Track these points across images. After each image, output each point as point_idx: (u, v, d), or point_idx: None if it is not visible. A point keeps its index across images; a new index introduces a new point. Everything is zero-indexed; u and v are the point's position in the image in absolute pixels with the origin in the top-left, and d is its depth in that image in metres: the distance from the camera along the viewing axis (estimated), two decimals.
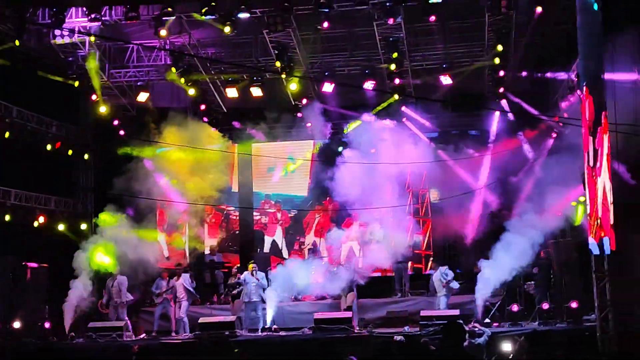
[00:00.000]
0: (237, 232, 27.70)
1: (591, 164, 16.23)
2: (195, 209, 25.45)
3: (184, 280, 22.59)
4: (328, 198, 26.23)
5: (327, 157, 26.30)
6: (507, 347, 16.91)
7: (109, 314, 22.35)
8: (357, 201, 23.79)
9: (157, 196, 24.69)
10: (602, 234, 15.82)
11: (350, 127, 25.89)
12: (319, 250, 25.66)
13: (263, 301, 22.12)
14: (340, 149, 26.06)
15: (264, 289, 22.21)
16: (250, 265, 22.53)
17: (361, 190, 23.43)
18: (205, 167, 24.80)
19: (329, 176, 24.32)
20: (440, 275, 22.08)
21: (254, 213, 27.76)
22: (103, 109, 24.57)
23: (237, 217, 27.96)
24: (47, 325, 21.93)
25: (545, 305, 20.88)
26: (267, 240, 26.62)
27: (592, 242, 16.51)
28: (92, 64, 23.61)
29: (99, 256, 22.66)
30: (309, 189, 27.68)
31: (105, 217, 23.49)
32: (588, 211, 16.73)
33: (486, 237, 23.33)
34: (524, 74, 23.75)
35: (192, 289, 22.58)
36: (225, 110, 26.71)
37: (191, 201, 24.83)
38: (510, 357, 15.77)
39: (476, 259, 22.56)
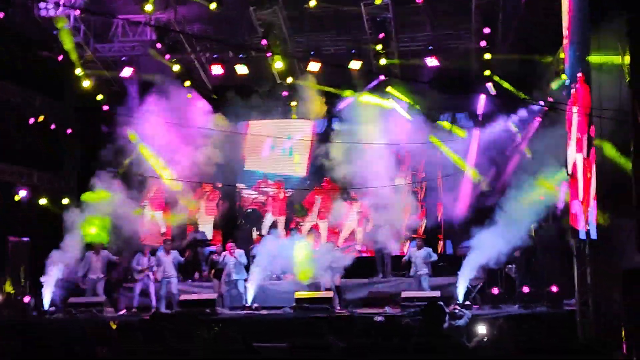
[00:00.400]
0: (250, 210, 27.39)
1: (585, 152, 16.25)
2: (192, 185, 25.57)
3: (173, 257, 22.53)
4: (326, 179, 26.10)
5: (323, 136, 26.42)
6: (482, 329, 16.95)
7: (86, 290, 22.29)
8: (355, 181, 23.91)
9: (145, 170, 24.71)
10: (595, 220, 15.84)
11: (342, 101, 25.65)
12: (319, 233, 25.48)
13: (245, 279, 22.15)
14: (334, 126, 26.14)
15: (245, 267, 22.24)
16: (228, 244, 22.59)
17: (359, 169, 23.55)
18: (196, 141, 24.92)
19: (325, 154, 24.44)
20: (427, 254, 22.10)
21: (248, 191, 27.64)
22: (86, 83, 24.37)
23: (248, 196, 27.80)
24: (26, 299, 21.86)
25: (526, 289, 20.94)
26: (269, 219, 26.47)
27: (583, 228, 16.58)
28: (67, 39, 23.39)
29: (91, 228, 22.58)
30: (307, 168, 27.57)
31: (94, 194, 23.41)
32: (578, 196, 16.76)
33: (474, 219, 23.33)
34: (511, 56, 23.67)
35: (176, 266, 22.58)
36: (210, 88, 26.53)
37: (183, 177, 24.89)
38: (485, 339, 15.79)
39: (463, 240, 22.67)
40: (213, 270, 22.89)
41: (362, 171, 23.56)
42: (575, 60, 16.98)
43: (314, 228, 25.41)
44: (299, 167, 27.70)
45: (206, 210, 27.22)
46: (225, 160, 25.90)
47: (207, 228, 26.98)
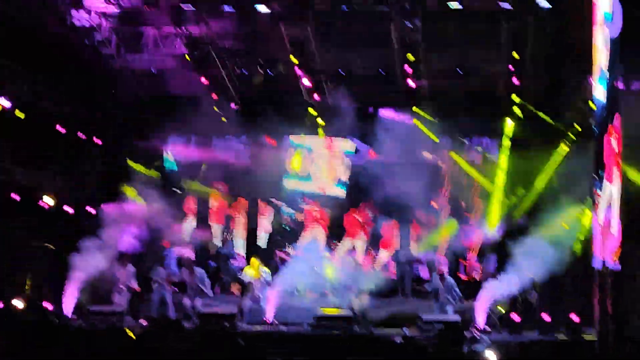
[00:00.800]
0: (288, 229, 27.54)
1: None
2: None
3: (198, 273, 22.61)
4: (370, 200, 26.19)
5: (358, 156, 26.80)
6: (491, 356, 16.89)
7: (112, 298, 22.40)
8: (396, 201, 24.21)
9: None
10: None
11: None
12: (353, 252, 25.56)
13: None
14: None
15: (268, 284, 22.30)
16: (257, 263, 22.68)
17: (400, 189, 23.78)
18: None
19: (364, 173, 24.80)
20: (449, 284, 22.03)
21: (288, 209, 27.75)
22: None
23: (287, 214, 27.79)
24: (47, 305, 21.95)
25: (546, 317, 20.83)
26: (306, 238, 26.54)
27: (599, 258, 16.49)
28: None
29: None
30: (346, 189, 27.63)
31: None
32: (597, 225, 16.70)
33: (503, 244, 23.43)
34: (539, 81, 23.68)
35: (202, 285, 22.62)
36: (240, 103, 26.63)
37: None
38: None
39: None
40: (239, 286, 23.01)
41: (403, 191, 23.76)
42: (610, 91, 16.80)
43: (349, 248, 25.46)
44: (337, 187, 27.73)
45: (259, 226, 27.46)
46: (264, 176, 26.27)
47: (237, 243, 27.15)
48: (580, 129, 22.16)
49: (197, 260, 23.98)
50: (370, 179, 24.37)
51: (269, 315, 21.87)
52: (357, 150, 26.88)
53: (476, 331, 20.12)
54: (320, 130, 26.80)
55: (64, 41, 23.26)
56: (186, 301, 22.25)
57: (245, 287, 22.52)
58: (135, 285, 22.57)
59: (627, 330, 16.23)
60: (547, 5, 20.12)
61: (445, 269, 22.76)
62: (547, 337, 20.15)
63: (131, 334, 19.07)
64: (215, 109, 25.61)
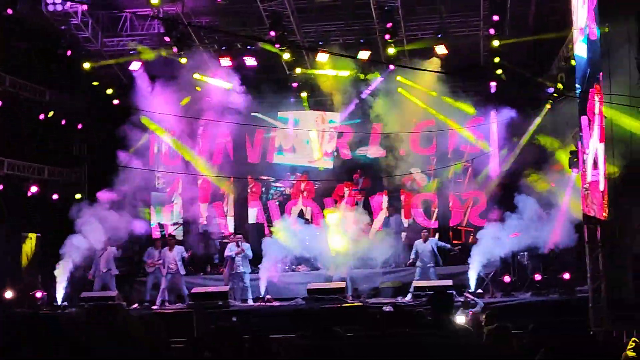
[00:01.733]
0: (278, 203, 27.44)
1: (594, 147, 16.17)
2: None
3: (177, 252, 22.52)
4: (359, 171, 26.32)
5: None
6: (460, 319, 16.85)
7: (94, 284, 22.34)
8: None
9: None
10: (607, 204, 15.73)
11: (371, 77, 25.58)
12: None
13: (251, 271, 22.23)
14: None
15: (249, 260, 22.24)
16: (236, 237, 22.71)
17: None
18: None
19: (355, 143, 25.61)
20: (434, 245, 22.01)
21: (277, 184, 27.71)
22: (86, 65, 24.41)
23: (277, 189, 27.78)
24: (38, 294, 21.90)
25: (538, 276, 20.84)
26: (294, 211, 26.45)
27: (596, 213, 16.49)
28: None
29: None
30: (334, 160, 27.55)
31: None
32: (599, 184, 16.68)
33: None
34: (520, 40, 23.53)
35: (181, 262, 22.52)
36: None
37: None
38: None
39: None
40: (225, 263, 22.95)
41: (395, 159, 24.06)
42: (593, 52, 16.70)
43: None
44: (325, 159, 27.58)
45: (249, 203, 27.39)
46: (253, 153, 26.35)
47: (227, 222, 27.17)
48: (562, 87, 22.03)
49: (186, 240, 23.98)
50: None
51: (262, 291, 21.83)
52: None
53: (469, 295, 20.10)
54: (305, 104, 26.61)
55: (40, 27, 23.08)
56: (167, 283, 22.16)
57: (227, 264, 22.44)
58: (114, 269, 22.45)
59: (617, 285, 16.15)
60: None
61: (426, 233, 22.81)
62: (540, 297, 20.13)
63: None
64: (198, 88, 25.33)
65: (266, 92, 25.52)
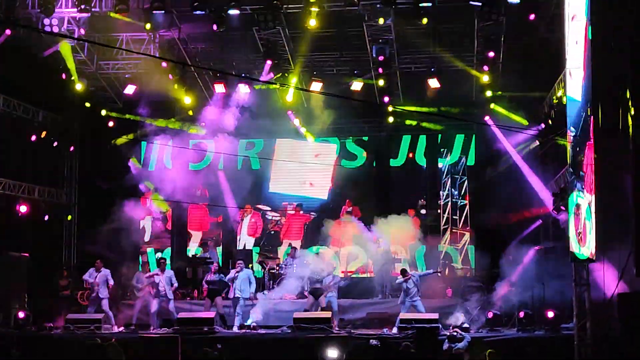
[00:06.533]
0: (272, 232, 27.65)
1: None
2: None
3: (166, 277, 22.44)
4: (347, 201, 26.51)
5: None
6: (332, 353, 16.89)
7: (88, 307, 22.30)
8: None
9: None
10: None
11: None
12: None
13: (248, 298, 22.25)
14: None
15: (250, 285, 22.25)
16: (237, 262, 22.71)
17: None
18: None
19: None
20: (418, 279, 21.91)
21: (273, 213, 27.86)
22: (79, 87, 24.40)
23: (272, 218, 27.87)
24: (21, 314, 21.82)
25: (521, 314, 20.85)
26: (285, 243, 26.62)
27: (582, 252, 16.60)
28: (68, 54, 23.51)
29: None
30: (329, 192, 27.69)
31: None
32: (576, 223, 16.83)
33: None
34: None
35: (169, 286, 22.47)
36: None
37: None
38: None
39: None
40: (206, 290, 22.95)
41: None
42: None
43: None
44: (319, 190, 27.82)
45: (248, 230, 27.51)
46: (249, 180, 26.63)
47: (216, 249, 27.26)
48: (551, 124, 22.19)
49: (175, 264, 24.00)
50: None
51: (250, 319, 21.80)
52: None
53: (456, 329, 20.11)
54: (306, 133, 26.78)
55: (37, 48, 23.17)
56: (157, 307, 22.11)
57: (212, 290, 22.40)
58: (105, 292, 22.40)
59: (603, 325, 16.28)
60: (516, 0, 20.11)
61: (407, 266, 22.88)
62: (525, 333, 20.17)
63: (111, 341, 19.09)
64: (190, 113, 25.52)
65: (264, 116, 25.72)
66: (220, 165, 27.20)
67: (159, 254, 26.40)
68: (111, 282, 22.37)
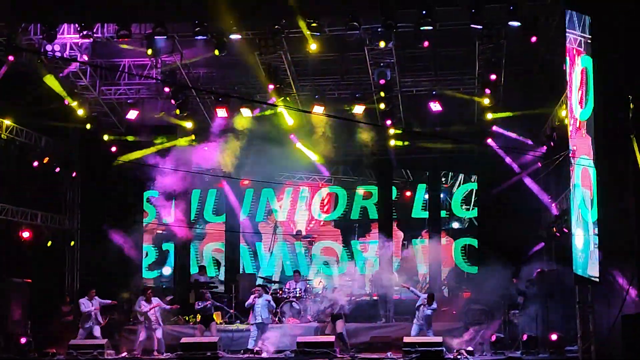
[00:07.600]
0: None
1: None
2: None
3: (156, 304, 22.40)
4: None
5: None
6: None
7: (79, 334, 22.22)
8: None
9: None
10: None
11: None
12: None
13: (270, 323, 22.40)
14: None
15: (269, 310, 22.25)
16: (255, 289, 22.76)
17: None
18: None
19: None
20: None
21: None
22: (80, 112, 24.45)
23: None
24: (23, 340, 21.78)
25: (525, 337, 20.78)
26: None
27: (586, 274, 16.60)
28: (53, 83, 23.56)
29: None
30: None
31: None
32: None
33: None
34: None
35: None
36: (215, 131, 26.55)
37: None
38: None
39: None
40: (199, 316, 22.91)
41: None
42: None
43: None
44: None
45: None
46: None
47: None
48: (553, 145, 22.19)
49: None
50: None
51: (251, 343, 21.72)
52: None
53: (462, 352, 20.09)
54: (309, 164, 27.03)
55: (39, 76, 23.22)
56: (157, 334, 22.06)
57: (206, 317, 22.40)
58: (100, 318, 22.34)
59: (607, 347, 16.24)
60: (517, 24, 20.14)
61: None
62: (530, 356, 20.11)
63: None
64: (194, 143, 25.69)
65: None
66: None
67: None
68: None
